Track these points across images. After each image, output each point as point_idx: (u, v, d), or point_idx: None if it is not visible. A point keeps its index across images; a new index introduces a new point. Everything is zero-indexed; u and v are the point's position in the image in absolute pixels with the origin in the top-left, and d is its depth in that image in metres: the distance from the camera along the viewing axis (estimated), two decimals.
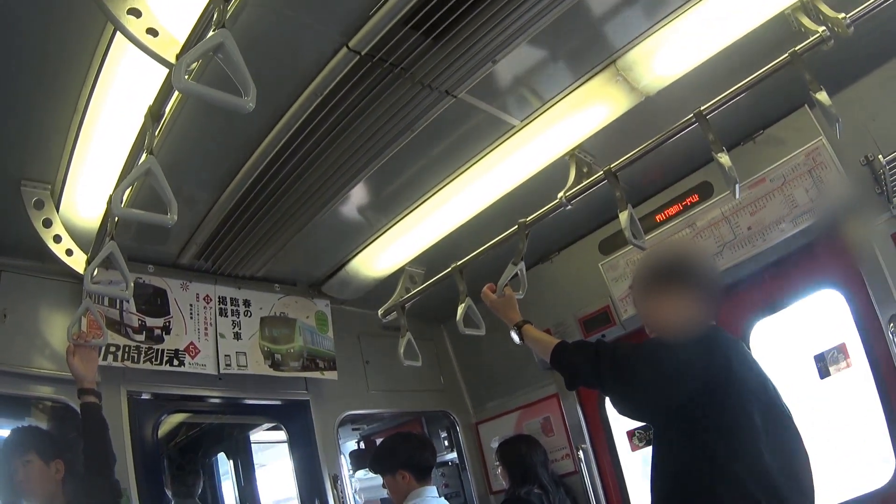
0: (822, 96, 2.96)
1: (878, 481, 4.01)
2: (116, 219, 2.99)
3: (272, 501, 6.48)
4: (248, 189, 3.75)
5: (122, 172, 3.06)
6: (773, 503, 2.38)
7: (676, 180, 4.80)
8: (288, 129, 3.32)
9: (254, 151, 3.51)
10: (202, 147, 3.45)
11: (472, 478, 6.05)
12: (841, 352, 4.30)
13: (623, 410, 2.99)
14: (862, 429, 4.66)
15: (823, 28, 2.95)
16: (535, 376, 5.65)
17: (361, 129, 3.44)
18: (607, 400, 5.13)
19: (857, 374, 4.24)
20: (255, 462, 6.20)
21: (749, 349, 2.82)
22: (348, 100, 3.20)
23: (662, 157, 3.69)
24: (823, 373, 4.33)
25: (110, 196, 2.72)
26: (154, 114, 2.59)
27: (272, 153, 3.48)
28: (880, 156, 3.84)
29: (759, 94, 3.19)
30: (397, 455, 4.40)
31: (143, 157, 2.49)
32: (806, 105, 4.23)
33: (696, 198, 4.67)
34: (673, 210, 4.76)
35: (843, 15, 2.91)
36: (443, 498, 4.43)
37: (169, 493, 4.79)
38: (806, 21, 3.12)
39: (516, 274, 3.75)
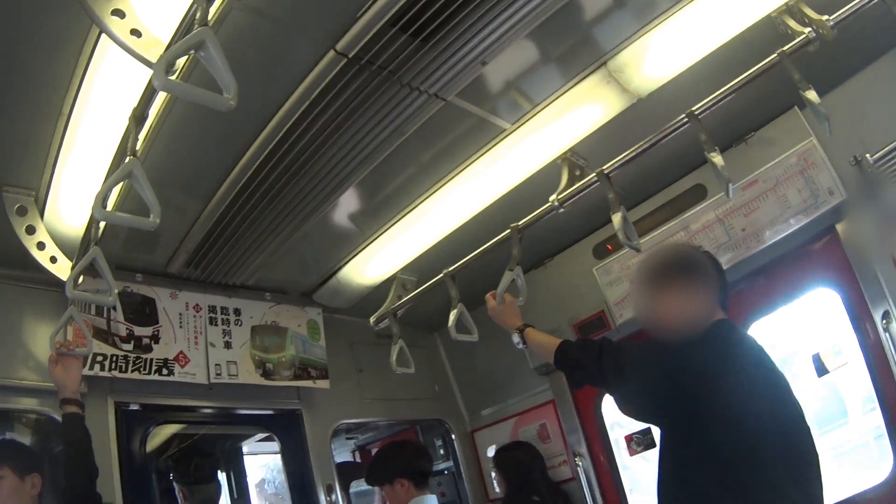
0: (812, 94, 3.02)
1: (877, 477, 4.00)
2: (102, 225, 2.97)
3: None
4: (236, 196, 3.70)
5: (106, 175, 3.00)
6: None
7: (670, 183, 4.78)
8: (276, 134, 3.28)
9: (242, 158, 3.46)
10: (190, 154, 3.41)
11: (469, 486, 5.98)
12: (837, 350, 4.31)
13: (627, 410, 2.95)
14: (860, 426, 4.67)
15: (809, 30, 3.00)
16: (531, 383, 5.62)
17: (350, 134, 3.38)
18: (604, 405, 5.19)
19: (854, 372, 4.26)
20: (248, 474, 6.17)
21: (759, 343, 2.76)
22: (336, 104, 3.15)
23: (656, 161, 3.72)
24: (821, 371, 4.33)
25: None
26: (137, 116, 2.56)
27: (260, 159, 3.43)
28: (868, 155, 3.90)
29: (749, 96, 3.21)
30: (394, 464, 4.33)
31: (127, 159, 2.44)
32: (796, 107, 4.25)
33: (689, 200, 4.66)
34: (667, 213, 4.73)
35: (826, 17, 2.95)
36: None
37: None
38: (791, 23, 3.17)
39: (514, 280, 3.70)
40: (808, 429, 2.56)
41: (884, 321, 3.93)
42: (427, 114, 3.39)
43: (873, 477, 4.05)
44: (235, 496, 5.90)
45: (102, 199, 2.45)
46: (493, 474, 5.48)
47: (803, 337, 4.54)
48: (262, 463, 6.58)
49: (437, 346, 6.36)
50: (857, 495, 4.04)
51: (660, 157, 3.72)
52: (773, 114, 4.34)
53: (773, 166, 4.26)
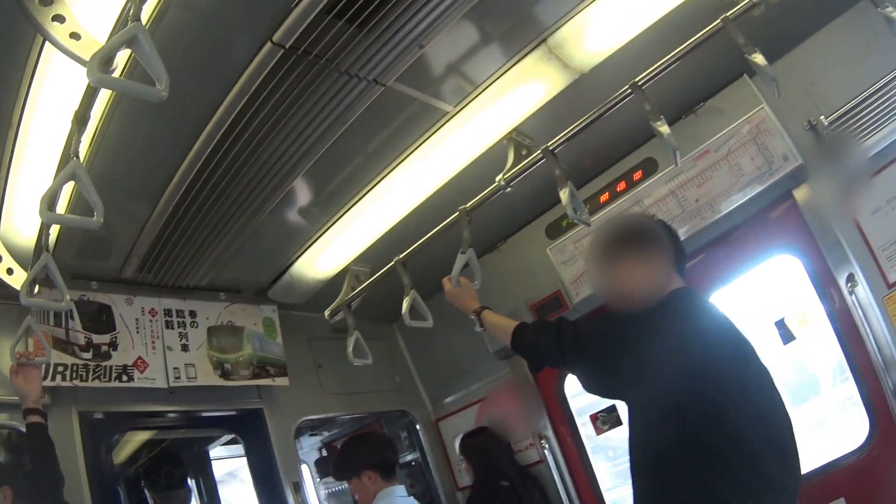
0: (758, 58, 2.98)
1: (852, 444, 4.03)
2: (53, 232, 2.94)
3: None
4: (183, 195, 3.66)
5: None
6: (755, 477, 2.31)
7: (620, 158, 4.80)
8: (218, 129, 3.24)
9: (186, 156, 3.42)
10: (136, 156, 3.37)
11: (438, 476, 5.95)
12: (802, 316, 4.35)
13: (591, 388, 2.95)
14: (832, 397, 4.71)
15: None
16: (492, 367, 5.61)
17: (292, 125, 3.36)
18: (566, 385, 5.18)
19: (821, 343, 4.31)
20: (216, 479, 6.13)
21: (721, 310, 2.76)
22: (276, 95, 3.13)
23: (604, 136, 3.78)
24: (787, 338, 4.36)
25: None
26: (80, 118, 2.51)
27: (204, 156, 3.40)
28: (823, 117, 3.93)
29: (697, 67, 3.26)
30: (359, 457, 4.29)
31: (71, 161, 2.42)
32: (745, 74, 4.27)
33: (640, 174, 4.67)
34: (619, 188, 4.75)
35: None
36: (411, 497, 4.34)
37: None
38: None
39: (468, 263, 3.71)
40: (778, 395, 2.55)
41: (849, 284, 3.97)
42: (368, 100, 3.36)
43: (848, 444, 4.08)
44: (206, 500, 5.86)
45: (49, 201, 2.41)
46: (461, 462, 5.46)
47: (766, 306, 4.55)
48: None
49: (395, 337, 6.32)
50: (833, 461, 4.07)
51: (607, 133, 3.75)
52: (721, 83, 4.36)
53: (724, 135, 4.26)
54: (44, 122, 2.89)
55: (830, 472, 4.03)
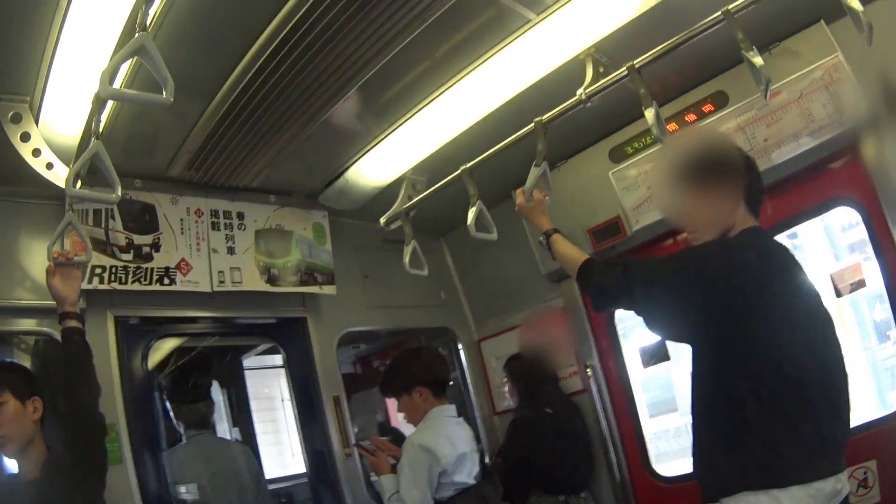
0: (855, 2, 2.86)
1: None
2: (104, 120, 2.79)
3: None
4: (239, 95, 3.49)
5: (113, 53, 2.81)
6: (805, 423, 2.32)
7: (690, 89, 4.59)
8: (281, 29, 3.07)
9: (244, 56, 3.26)
10: (189, 56, 3.18)
11: (476, 398, 5.90)
12: (856, 270, 4.26)
13: (657, 329, 2.83)
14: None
15: None
16: (542, 290, 5.49)
17: (366, 23, 3.14)
18: (617, 316, 5.07)
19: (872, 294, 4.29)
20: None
21: (790, 252, 2.65)
22: None
23: (677, 64, 3.64)
24: (840, 291, 4.27)
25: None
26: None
27: (263, 57, 3.22)
28: None
29: (775, 6, 3.10)
30: (411, 372, 4.19)
31: (136, 34, 2.28)
32: (822, 21, 4.07)
33: (711, 107, 4.49)
34: (688, 118, 4.56)
35: None
36: (461, 418, 4.25)
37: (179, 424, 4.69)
38: None
39: (542, 176, 3.58)
40: (839, 349, 2.53)
41: None
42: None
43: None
44: (237, 410, 5.83)
45: (109, 76, 2.29)
46: (504, 383, 5.37)
47: (821, 256, 4.46)
48: None
49: (443, 252, 6.21)
50: (868, 422, 4.03)
51: (681, 61, 3.60)
52: (798, 27, 4.16)
53: (797, 78, 4.09)
54: (92, 14, 2.75)
55: (864, 434, 3.90)
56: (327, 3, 2.94)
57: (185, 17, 2.86)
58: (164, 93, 2.26)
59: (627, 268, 2.73)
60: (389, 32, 3.25)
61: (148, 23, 2.39)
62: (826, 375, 2.41)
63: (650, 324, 2.74)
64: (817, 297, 2.59)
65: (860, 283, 4.22)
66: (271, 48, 3.17)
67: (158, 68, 2.25)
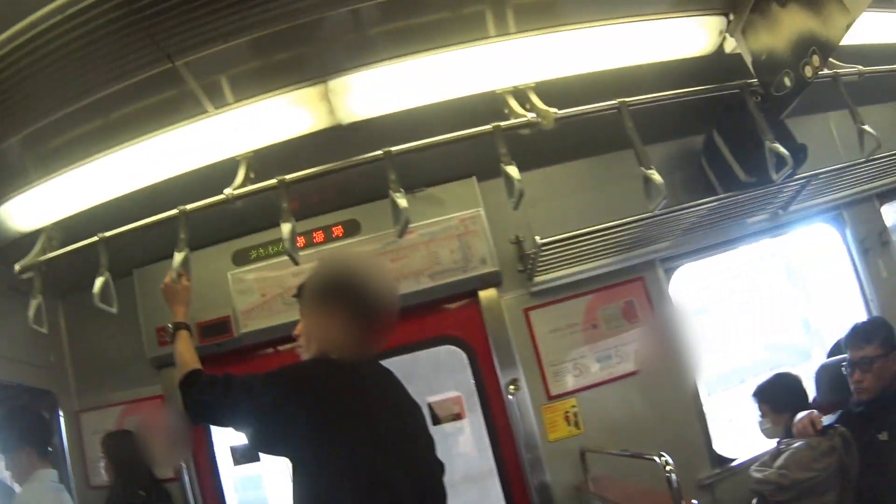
0: (513, 170, 3.38)
1: None
2: None
3: None
4: None
5: None
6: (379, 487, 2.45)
7: (326, 211, 4.99)
8: None
9: None
10: None
11: (71, 469, 5.50)
12: (456, 403, 4.78)
13: (260, 447, 2.76)
14: None
15: (532, 115, 3.40)
16: (145, 374, 5.34)
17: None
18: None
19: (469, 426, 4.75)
20: None
21: (392, 375, 2.93)
22: None
23: (319, 186, 3.85)
24: (436, 420, 4.74)
25: None
26: None
27: None
28: (537, 237, 4.31)
29: (439, 156, 3.58)
30: (22, 430, 4.09)
31: None
32: (475, 177, 4.69)
33: (341, 232, 4.93)
34: (316, 238, 4.96)
35: (554, 110, 3.40)
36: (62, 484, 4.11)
37: None
38: (514, 104, 3.52)
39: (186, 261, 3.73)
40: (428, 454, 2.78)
41: (511, 387, 4.59)
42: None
43: None
44: None
45: None
46: (101, 459, 5.21)
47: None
48: None
49: (58, 312, 5.77)
50: None
51: (323, 185, 3.85)
52: (453, 177, 4.69)
53: (435, 223, 4.61)
54: None
55: None
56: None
57: None
58: None
59: (229, 386, 2.68)
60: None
61: None
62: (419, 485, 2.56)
63: (251, 441, 2.69)
64: (414, 415, 2.80)
65: (458, 416, 4.73)
66: None
67: None
